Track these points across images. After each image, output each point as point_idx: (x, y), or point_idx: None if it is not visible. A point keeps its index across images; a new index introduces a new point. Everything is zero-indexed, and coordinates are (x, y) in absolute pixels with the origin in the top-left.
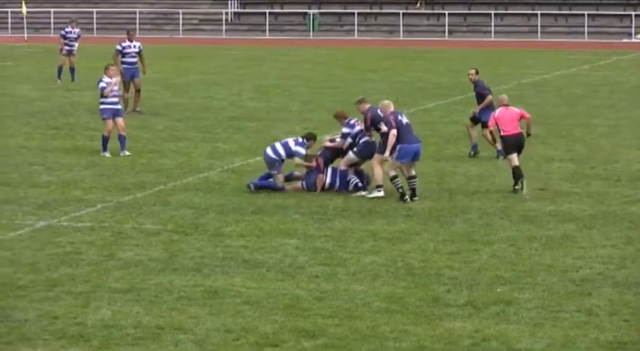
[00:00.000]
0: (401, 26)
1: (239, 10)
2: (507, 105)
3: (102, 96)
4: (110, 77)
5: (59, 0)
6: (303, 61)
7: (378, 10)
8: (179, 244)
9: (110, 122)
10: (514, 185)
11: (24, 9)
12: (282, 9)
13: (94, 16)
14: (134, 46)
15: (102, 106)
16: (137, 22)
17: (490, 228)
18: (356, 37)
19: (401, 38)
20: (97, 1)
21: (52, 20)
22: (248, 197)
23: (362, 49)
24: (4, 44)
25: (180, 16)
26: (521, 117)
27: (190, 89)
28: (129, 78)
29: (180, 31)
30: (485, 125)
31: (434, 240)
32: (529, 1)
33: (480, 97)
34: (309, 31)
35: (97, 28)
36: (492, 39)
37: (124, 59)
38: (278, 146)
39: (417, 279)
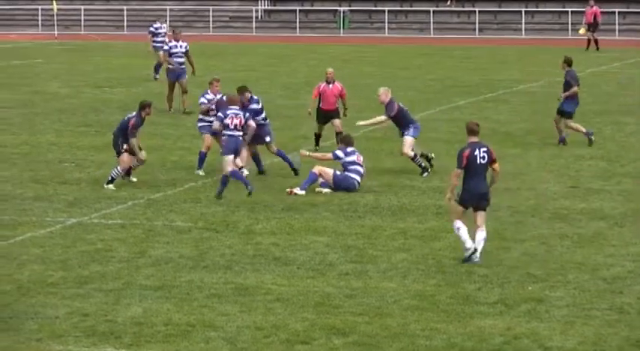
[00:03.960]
0: (431, 24)
1: (269, 8)
2: None
3: (202, 112)
4: (214, 94)
5: None
6: (333, 58)
7: (409, 8)
8: (210, 241)
9: (208, 138)
10: None
11: (54, 6)
12: (312, 6)
13: (125, 14)
14: (180, 46)
15: (200, 124)
16: (167, 19)
17: (521, 226)
18: (386, 34)
19: (431, 36)
20: None
21: (82, 17)
22: (279, 195)
23: (392, 46)
24: (35, 41)
25: (211, 13)
26: None
27: (220, 86)
28: (174, 79)
29: (211, 29)
30: (566, 115)
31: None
32: None
33: (569, 86)
34: (340, 28)
35: (127, 26)
36: (523, 36)
37: (169, 59)
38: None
39: (448, 277)
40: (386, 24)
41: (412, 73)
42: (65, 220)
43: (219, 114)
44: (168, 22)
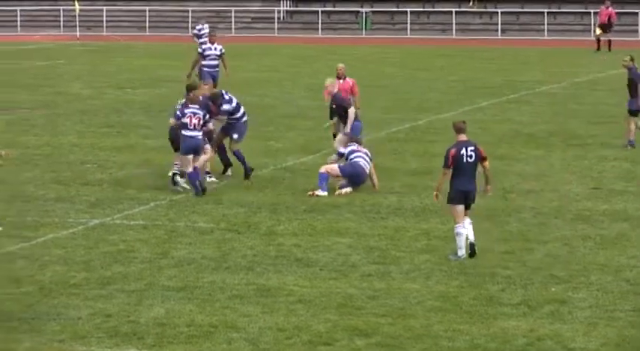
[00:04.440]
0: (453, 25)
1: (291, 9)
2: None
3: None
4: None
5: None
6: (355, 59)
7: (431, 9)
8: (232, 242)
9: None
10: None
11: (76, 7)
12: (334, 7)
13: (147, 14)
14: (215, 49)
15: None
16: (189, 20)
17: (544, 227)
18: (408, 35)
19: (453, 36)
20: None
21: (104, 18)
22: (301, 196)
23: (414, 47)
24: (57, 42)
25: (233, 14)
26: None
27: (242, 87)
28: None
29: (233, 30)
30: (633, 113)
31: (488, 239)
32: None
33: (633, 84)
34: (362, 29)
35: (149, 26)
36: (545, 37)
37: (204, 62)
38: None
39: (471, 278)
40: (408, 25)
41: (434, 74)
42: (87, 221)
43: (177, 112)
44: (190, 23)
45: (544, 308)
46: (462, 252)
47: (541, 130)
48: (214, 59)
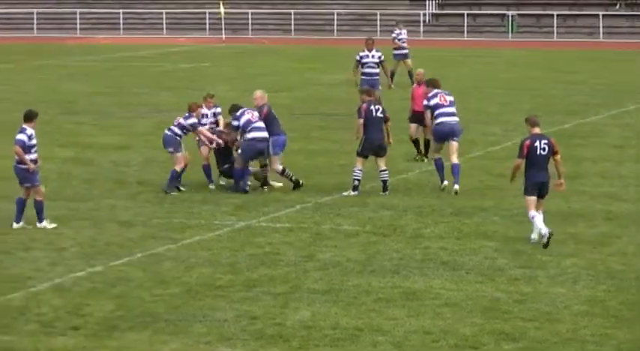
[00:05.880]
0: (601, 28)
1: (437, 12)
2: None
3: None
4: (208, 109)
5: (257, 0)
6: (501, 62)
7: (578, 12)
8: (377, 245)
9: (205, 149)
10: None
11: (222, 10)
12: (480, 10)
13: (292, 17)
14: (372, 56)
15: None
16: (335, 23)
17: None
18: (555, 38)
19: (601, 39)
20: (294, 3)
21: (249, 21)
22: (447, 199)
23: (561, 50)
24: (202, 45)
25: (378, 17)
26: None
27: (387, 90)
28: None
29: (378, 33)
30: None
31: (635, 243)
32: None
33: None
34: (508, 32)
35: (294, 29)
36: None
37: (363, 70)
38: (174, 127)
39: (618, 282)
40: (554, 28)
41: (580, 77)
42: (233, 223)
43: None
44: (335, 26)
45: None
46: (545, 229)
47: None
48: (372, 67)
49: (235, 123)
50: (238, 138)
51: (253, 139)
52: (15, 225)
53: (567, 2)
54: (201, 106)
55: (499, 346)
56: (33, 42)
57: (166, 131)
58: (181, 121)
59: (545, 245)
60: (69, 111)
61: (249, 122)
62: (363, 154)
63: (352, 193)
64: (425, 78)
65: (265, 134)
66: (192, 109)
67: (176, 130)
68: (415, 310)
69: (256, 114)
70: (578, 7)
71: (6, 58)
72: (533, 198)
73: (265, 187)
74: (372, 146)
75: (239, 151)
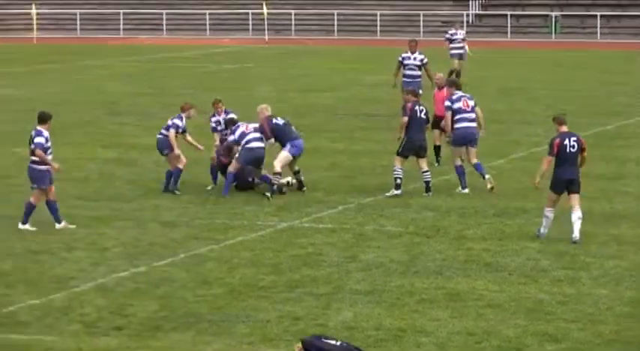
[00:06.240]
0: None
1: (480, 12)
2: None
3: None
4: (219, 114)
5: (300, 1)
6: (545, 63)
7: (622, 12)
8: (420, 246)
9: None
10: None
11: (265, 11)
12: (523, 11)
13: (335, 18)
14: (414, 58)
15: None
16: (378, 24)
17: None
18: (598, 39)
19: None
20: (337, 3)
21: (292, 22)
22: (490, 200)
23: (605, 51)
24: (245, 46)
25: (421, 18)
26: None
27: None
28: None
29: (421, 33)
30: None
31: None
32: None
33: None
34: (551, 33)
35: (337, 30)
36: None
37: (405, 72)
38: (164, 130)
39: None
40: (598, 29)
41: (624, 78)
42: (276, 224)
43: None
44: (378, 27)
45: None
46: (544, 231)
47: None
48: (413, 69)
49: (231, 138)
50: (236, 147)
51: (251, 148)
52: (21, 226)
53: (611, 3)
54: (192, 107)
55: (542, 347)
56: (76, 43)
57: (158, 135)
58: (170, 121)
59: (539, 234)
60: (112, 111)
61: (243, 134)
62: (403, 154)
63: (395, 192)
64: (443, 82)
65: (261, 144)
66: (183, 109)
67: (165, 132)
68: (458, 311)
69: (250, 126)
70: (622, 7)
71: (49, 58)
72: (556, 196)
73: (304, 189)
74: (414, 146)
75: (237, 155)
